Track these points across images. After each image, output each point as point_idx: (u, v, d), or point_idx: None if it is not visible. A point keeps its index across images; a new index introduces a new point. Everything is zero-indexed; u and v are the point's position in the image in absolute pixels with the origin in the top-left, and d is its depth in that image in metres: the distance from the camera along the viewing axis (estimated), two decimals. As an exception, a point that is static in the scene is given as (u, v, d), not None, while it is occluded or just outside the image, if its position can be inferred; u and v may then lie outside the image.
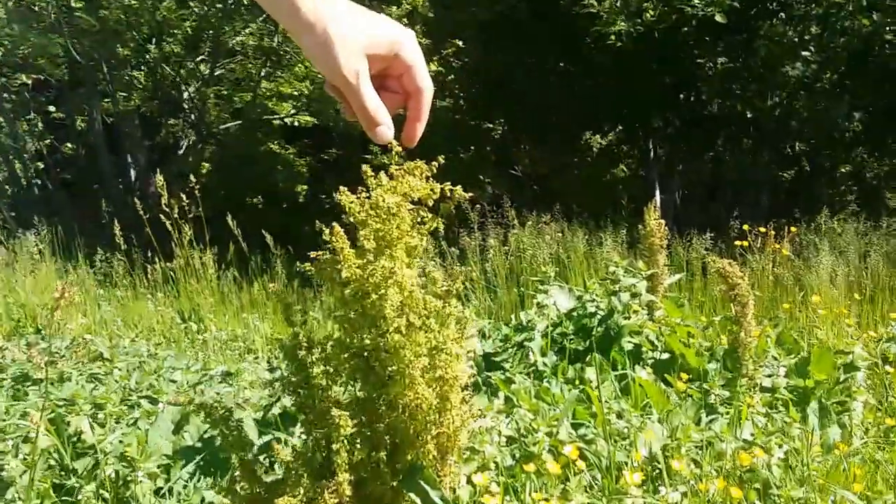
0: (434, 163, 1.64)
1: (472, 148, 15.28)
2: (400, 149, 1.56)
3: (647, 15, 10.23)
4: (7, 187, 15.35)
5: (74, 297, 2.32)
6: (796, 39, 10.41)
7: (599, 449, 3.39)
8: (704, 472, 3.22)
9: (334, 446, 1.53)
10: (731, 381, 4.24)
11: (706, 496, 3.03)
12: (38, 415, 2.93)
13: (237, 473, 1.67)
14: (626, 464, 3.28)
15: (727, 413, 3.86)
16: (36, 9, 13.96)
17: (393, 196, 1.58)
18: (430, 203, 1.63)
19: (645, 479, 3.10)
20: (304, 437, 1.61)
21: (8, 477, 3.00)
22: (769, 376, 4.32)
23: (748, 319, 4.39)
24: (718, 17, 9.65)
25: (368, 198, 1.60)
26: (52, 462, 3.27)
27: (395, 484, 1.57)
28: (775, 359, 4.55)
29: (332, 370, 1.61)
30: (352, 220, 1.59)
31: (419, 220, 1.63)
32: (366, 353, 1.58)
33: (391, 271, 1.53)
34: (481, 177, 14.90)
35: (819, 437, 3.52)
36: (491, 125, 15.93)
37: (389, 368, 1.54)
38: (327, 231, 1.59)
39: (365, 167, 1.63)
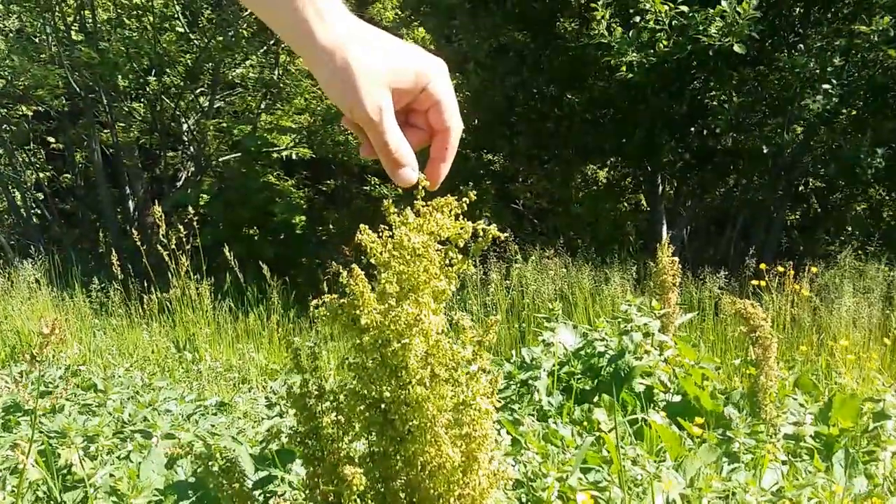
0: (465, 199, 1.48)
1: (470, 182, 15.16)
2: (426, 184, 1.38)
3: (661, 45, 10.05)
4: (6, 217, 15.67)
5: (65, 332, 2.15)
6: (818, 71, 10.21)
7: (613, 496, 3.20)
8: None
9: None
10: (752, 428, 4.03)
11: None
12: (27, 446, 2.82)
13: None
14: (642, 514, 3.09)
15: (752, 461, 3.65)
16: (36, 41, 14.24)
17: (419, 235, 1.42)
18: (461, 243, 1.47)
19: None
20: (309, 491, 1.40)
21: None
22: (794, 423, 4.11)
23: (770, 363, 4.19)
24: (737, 48, 9.45)
25: (391, 237, 1.44)
26: (41, 494, 3.19)
27: None
28: (802, 405, 4.34)
29: (343, 421, 1.48)
30: (372, 260, 1.43)
31: (447, 261, 1.46)
32: (383, 406, 1.42)
33: (416, 318, 1.37)
34: (480, 211, 14.81)
35: (845, 488, 3.29)
36: (492, 157, 15.83)
37: (410, 423, 1.38)
38: (345, 274, 1.45)
39: (386, 202, 1.46)
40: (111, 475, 3.20)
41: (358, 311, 1.41)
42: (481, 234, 1.48)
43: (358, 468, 1.40)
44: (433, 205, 1.47)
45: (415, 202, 1.44)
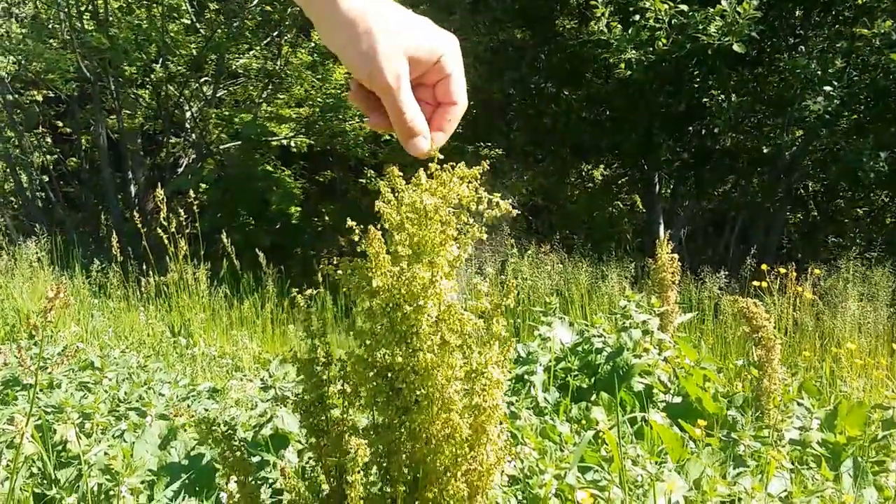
0: (478, 168, 1.46)
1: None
2: (439, 156, 1.43)
3: (660, 43, 9.99)
4: (12, 199, 15.96)
5: (69, 298, 2.08)
6: (819, 73, 10.12)
7: (613, 496, 3.09)
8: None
9: (349, 478, 1.32)
10: (758, 432, 3.91)
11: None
12: (24, 420, 2.82)
13: (236, 499, 1.40)
14: (643, 515, 2.99)
15: (757, 466, 3.53)
16: (50, 26, 14.55)
17: (432, 198, 1.40)
18: (473, 208, 1.44)
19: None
20: (311, 462, 1.31)
21: None
22: (800, 428, 3.98)
23: (773, 365, 4.09)
24: (737, 47, 9.39)
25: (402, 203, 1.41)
26: (35, 470, 3.22)
27: None
28: (808, 410, 4.21)
29: (350, 391, 1.42)
30: (385, 225, 1.40)
31: (460, 227, 1.43)
32: (390, 375, 1.36)
33: (431, 280, 1.32)
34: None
35: (854, 499, 3.18)
36: (488, 149, 15.79)
37: (417, 392, 1.32)
38: (357, 232, 1.39)
39: (390, 168, 1.46)
40: (105, 453, 3.20)
41: (371, 273, 1.36)
42: (494, 205, 1.45)
43: (362, 440, 1.34)
44: (447, 169, 1.45)
45: (429, 164, 1.43)
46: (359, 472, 1.31)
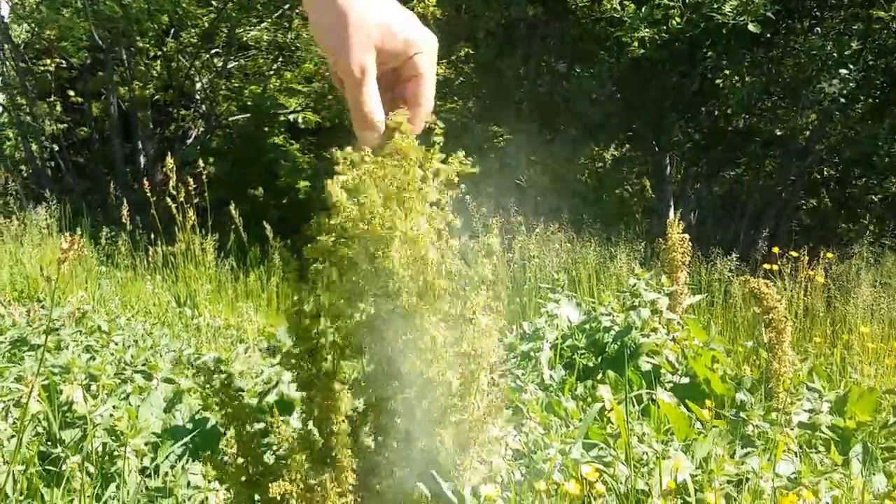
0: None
1: (475, 156, 15.07)
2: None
3: (674, 22, 9.94)
4: (22, 167, 16.20)
5: (83, 249, 2.05)
6: (835, 55, 10.07)
7: (618, 473, 3.06)
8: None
9: (334, 427, 1.31)
10: (767, 413, 3.87)
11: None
12: (32, 379, 2.80)
13: (234, 450, 1.35)
14: (647, 493, 2.94)
15: (765, 447, 3.49)
16: None
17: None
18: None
19: (672, 514, 2.74)
20: (304, 416, 1.36)
21: None
22: (810, 411, 3.94)
23: (784, 347, 4.04)
24: (752, 27, 9.35)
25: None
26: (41, 430, 3.25)
27: (404, 474, 1.34)
28: (819, 393, 4.17)
29: (340, 341, 1.34)
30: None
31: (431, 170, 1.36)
32: (377, 324, 1.28)
33: (393, 221, 1.26)
34: (484, 185, 14.77)
35: (863, 484, 3.13)
36: (497, 128, 15.75)
37: (403, 338, 1.26)
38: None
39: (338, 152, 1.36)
40: (110, 414, 3.23)
41: (342, 223, 1.28)
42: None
43: (346, 387, 1.32)
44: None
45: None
46: (343, 420, 1.30)
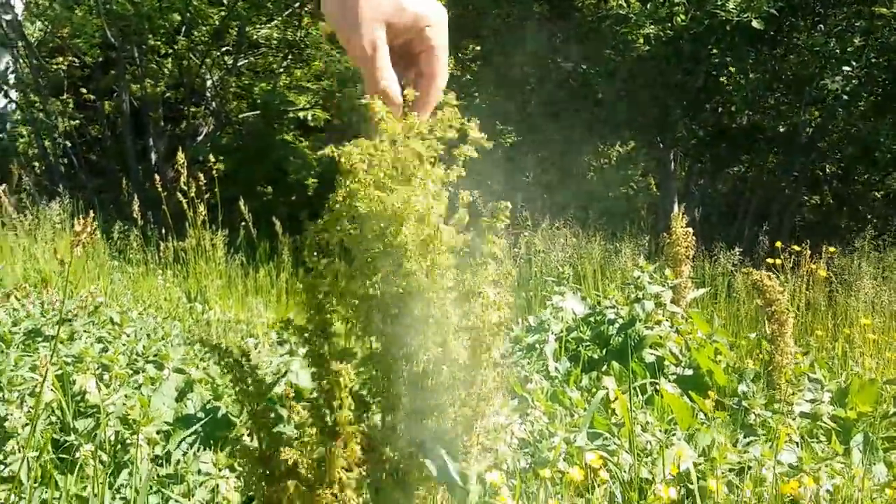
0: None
1: (480, 153, 15.10)
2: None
3: (678, 19, 9.97)
4: (35, 163, 15.94)
5: (96, 231, 2.08)
6: (838, 52, 10.09)
7: (622, 462, 3.10)
8: (743, 497, 2.90)
9: (335, 402, 1.30)
10: (769, 403, 3.91)
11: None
12: (45, 366, 2.78)
13: (248, 425, 1.39)
14: (651, 481, 2.98)
15: (766, 437, 3.53)
16: None
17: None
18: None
19: (674, 501, 2.78)
20: (315, 393, 1.35)
21: (10, 427, 3.00)
22: (811, 401, 3.98)
23: (786, 339, 4.09)
24: (755, 24, 9.38)
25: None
26: (54, 419, 3.28)
27: (411, 451, 1.34)
28: (820, 383, 4.21)
29: (349, 318, 1.34)
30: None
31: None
32: (386, 301, 1.30)
33: (409, 199, 1.26)
34: (490, 182, 14.77)
35: (863, 473, 3.17)
36: (504, 126, 15.76)
37: (411, 315, 1.27)
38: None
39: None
40: (123, 403, 3.25)
41: (356, 202, 1.28)
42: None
43: (348, 364, 1.30)
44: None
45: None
46: (349, 396, 1.29)
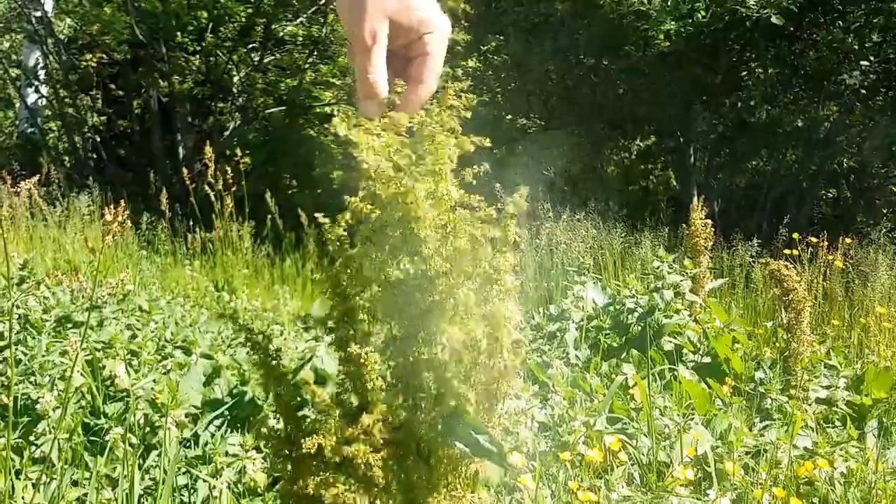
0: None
1: (504, 147, 15.14)
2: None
3: (699, 15, 10.01)
4: (65, 157, 16.09)
5: (127, 220, 2.15)
6: (856, 47, 10.11)
7: (640, 445, 3.16)
8: (759, 479, 2.96)
9: (367, 385, 1.33)
10: (785, 389, 3.97)
11: (758, 504, 2.77)
12: (75, 351, 2.95)
13: (272, 409, 1.43)
14: (668, 464, 3.04)
15: (782, 421, 3.59)
16: None
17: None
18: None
19: (692, 482, 2.84)
20: (339, 378, 1.39)
21: (41, 410, 3.06)
22: (827, 387, 4.04)
23: (802, 327, 4.14)
24: (775, 19, 9.40)
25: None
26: (84, 403, 3.34)
27: (435, 431, 1.35)
28: (836, 369, 4.26)
29: (371, 305, 1.37)
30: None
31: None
32: (405, 287, 1.32)
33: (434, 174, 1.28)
34: (513, 174, 14.81)
35: (877, 457, 3.23)
36: (526, 121, 15.79)
37: (430, 299, 1.29)
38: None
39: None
40: (151, 388, 3.33)
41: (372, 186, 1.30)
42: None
43: (371, 349, 1.34)
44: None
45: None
46: (375, 379, 1.32)
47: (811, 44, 11.66)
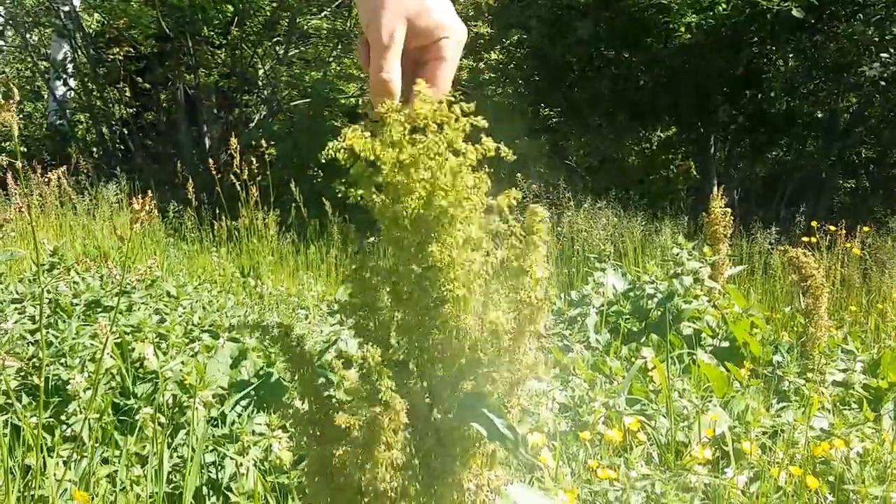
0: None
1: (526, 137, 15.18)
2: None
3: (720, 8, 10.03)
4: (93, 148, 16.26)
5: (154, 209, 2.19)
6: (876, 39, 10.11)
7: (659, 426, 3.21)
8: (776, 458, 3.01)
9: (386, 370, 1.33)
10: (802, 372, 4.01)
11: (776, 483, 2.81)
12: (105, 336, 2.98)
13: (297, 391, 1.46)
14: (686, 444, 3.09)
15: (799, 403, 3.64)
16: None
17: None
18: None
19: (710, 461, 2.89)
20: (360, 364, 1.37)
21: (72, 391, 3.13)
22: (844, 371, 4.08)
23: (820, 312, 4.18)
24: (795, 12, 9.42)
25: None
26: (114, 384, 3.41)
27: (452, 414, 1.37)
28: (853, 353, 4.31)
29: (392, 293, 1.38)
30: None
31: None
32: (418, 275, 1.33)
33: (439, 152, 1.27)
34: (534, 165, 14.85)
35: (893, 438, 3.27)
36: (548, 111, 15.82)
37: (444, 288, 1.30)
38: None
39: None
40: (180, 370, 3.40)
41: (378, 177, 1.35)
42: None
43: (390, 334, 1.37)
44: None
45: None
46: (382, 368, 1.32)
47: (831, 36, 11.66)
